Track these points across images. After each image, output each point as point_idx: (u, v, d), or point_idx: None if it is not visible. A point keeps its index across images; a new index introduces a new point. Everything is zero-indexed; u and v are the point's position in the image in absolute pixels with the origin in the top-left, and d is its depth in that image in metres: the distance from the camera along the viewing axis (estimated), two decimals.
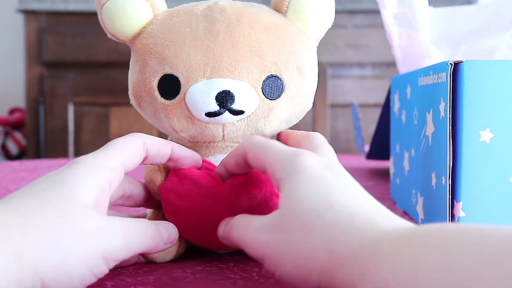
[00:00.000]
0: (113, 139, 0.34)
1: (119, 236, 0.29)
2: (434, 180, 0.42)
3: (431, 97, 0.42)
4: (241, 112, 0.36)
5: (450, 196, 0.38)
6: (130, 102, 0.40)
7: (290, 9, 0.38)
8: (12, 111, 2.08)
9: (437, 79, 0.40)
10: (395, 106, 0.56)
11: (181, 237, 0.38)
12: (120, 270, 0.35)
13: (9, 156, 1.96)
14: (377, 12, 0.61)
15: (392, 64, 1.70)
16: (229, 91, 0.35)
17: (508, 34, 0.48)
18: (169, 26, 0.37)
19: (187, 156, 0.36)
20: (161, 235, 0.33)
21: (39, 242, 0.26)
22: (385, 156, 0.70)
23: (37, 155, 1.77)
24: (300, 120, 0.40)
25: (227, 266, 0.37)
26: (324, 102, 1.74)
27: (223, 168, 0.36)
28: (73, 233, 0.28)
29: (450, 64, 0.38)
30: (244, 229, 0.31)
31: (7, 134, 1.97)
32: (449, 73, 0.38)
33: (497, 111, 0.38)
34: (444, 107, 0.39)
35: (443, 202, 0.39)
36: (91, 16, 1.73)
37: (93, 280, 0.29)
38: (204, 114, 0.36)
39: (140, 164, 0.34)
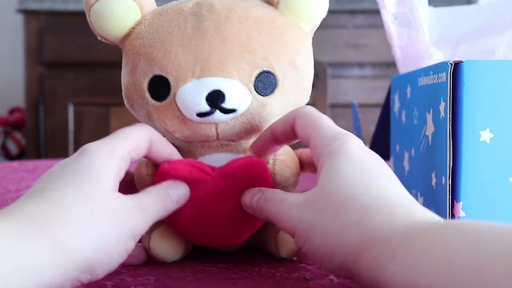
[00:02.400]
0: None
1: (142, 213, 0.32)
2: (434, 180, 0.42)
3: (431, 97, 0.42)
4: (232, 111, 0.35)
5: (450, 196, 0.38)
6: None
7: (282, 1, 0.38)
8: (12, 111, 2.08)
9: (437, 79, 0.40)
10: (395, 106, 0.56)
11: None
12: (120, 270, 0.35)
13: (9, 156, 1.96)
14: (377, 12, 0.61)
15: (392, 64, 1.69)
16: (219, 90, 0.35)
17: (508, 34, 0.48)
18: (157, 26, 0.37)
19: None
20: (170, 200, 0.34)
21: (82, 231, 0.28)
22: (385, 156, 0.69)
23: (37, 155, 1.77)
24: None
25: (227, 266, 0.37)
26: (324, 102, 1.74)
27: (269, 131, 0.36)
28: (109, 217, 0.30)
29: (450, 64, 0.38)
30: (279, 204, 0.32)
31: (7, 134, 1.97)
32: (449, 73, 0.38)
33: (497, 111, 0.38)
34: (444, 107, 0.39)
35: (443, 202, 0.39)
36: None
37: (126, 256, 0.31)
38: (195, 114, 0.35)
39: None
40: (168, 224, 0.37)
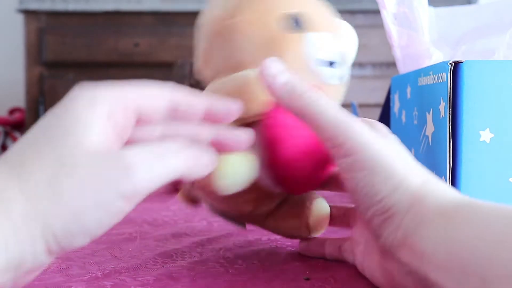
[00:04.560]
0: None
1: (138, 167, 0.26)
2: None
3: (431, 97, 0.42)
4: None
5: None
6: None
7: None
8: (12, 111, 2.08)
9: (437, 79, 0.40)
10: (395, 106, 0.56)
11: (257, 185, 0.35)
12: (120, 270, 0.36)
13: None
14: (377, 12, 0.61)
15: (392, 64, 1.69)
16: None
17: (508, 34, 0.48)
18: None
19: (225, 105, 0.31)
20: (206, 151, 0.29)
21: (43, 198, 0.25)
22: None
23: None
24: None
25: (227, 266, 0.37)
26: None
27: None
28: (77, 179, 0.26)
29: (450, 64, 0.38)
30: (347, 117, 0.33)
31: (7, 134, 1.98)
32: (449, 73, 0.38)
33: (497, 111, 0.38)
34: (444, 107, 0.39)
35: None
36: (91, 16, 1.73)
37: (114, 220, 0.27)
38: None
39: (171, 119, 0.30)
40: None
